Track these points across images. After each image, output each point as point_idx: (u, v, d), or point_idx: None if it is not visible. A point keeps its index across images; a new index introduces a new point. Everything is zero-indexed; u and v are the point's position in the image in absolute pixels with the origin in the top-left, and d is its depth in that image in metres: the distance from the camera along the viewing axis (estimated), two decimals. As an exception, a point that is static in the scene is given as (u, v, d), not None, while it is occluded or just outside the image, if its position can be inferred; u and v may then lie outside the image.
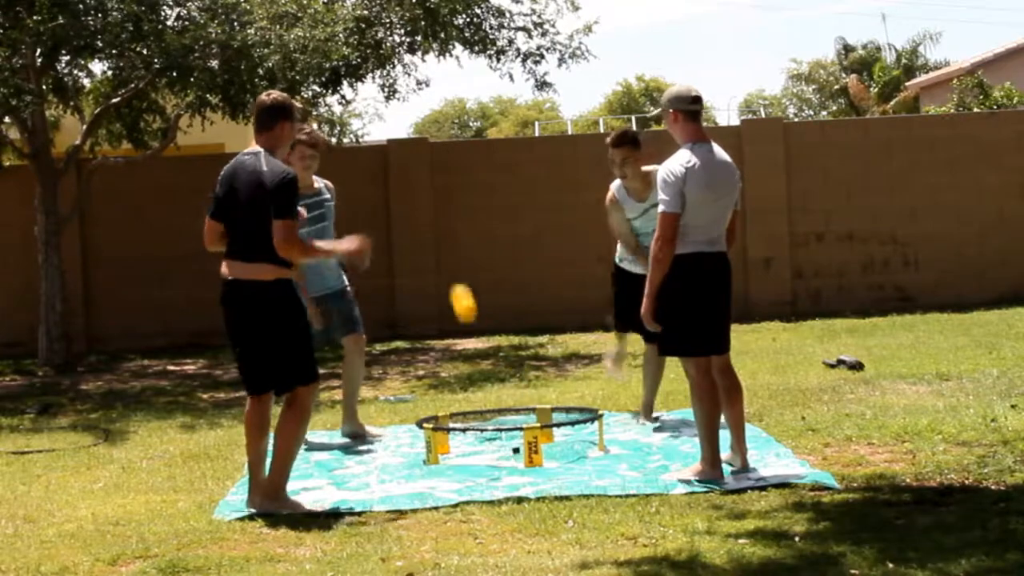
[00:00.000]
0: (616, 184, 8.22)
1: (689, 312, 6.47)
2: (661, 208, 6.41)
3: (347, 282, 8.23)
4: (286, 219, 6.08)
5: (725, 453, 6.64)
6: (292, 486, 6.69)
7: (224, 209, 6.28)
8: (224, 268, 6.26)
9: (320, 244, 6.89)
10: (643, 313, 6.52)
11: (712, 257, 6.49)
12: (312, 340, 6.47)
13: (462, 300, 7.43)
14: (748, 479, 6.40)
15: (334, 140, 17.58)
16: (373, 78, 14.70)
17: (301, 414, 6.31)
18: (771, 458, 6.83)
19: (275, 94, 6.45)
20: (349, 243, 6.47)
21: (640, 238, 8.12)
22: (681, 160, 6.43)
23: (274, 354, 6.23)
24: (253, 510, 6.20)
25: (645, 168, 8.02)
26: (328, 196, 8.17)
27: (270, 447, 6.38)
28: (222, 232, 6.31)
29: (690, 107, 6.52)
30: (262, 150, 6.26)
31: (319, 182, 8.17)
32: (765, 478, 6.38)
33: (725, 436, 6.62)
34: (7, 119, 13.81)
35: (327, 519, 5.97)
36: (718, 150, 6.59)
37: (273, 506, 6.18)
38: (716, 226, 6.52)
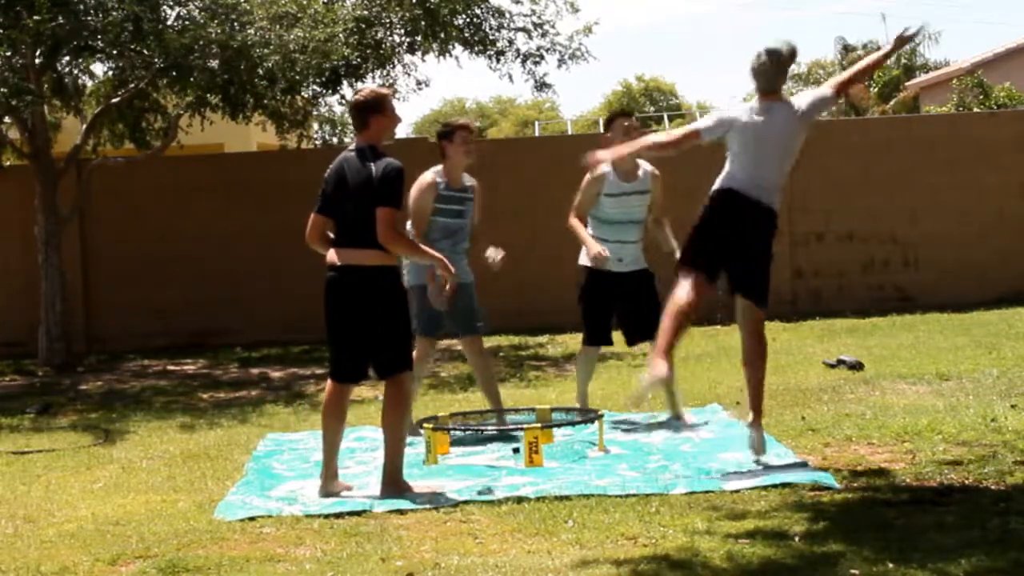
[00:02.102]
0: (606, 165, 8.27)
1: (700, 233, 6.76)
2: (694, 124, 6.88)
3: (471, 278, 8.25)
4: (389, 207, 6.32)
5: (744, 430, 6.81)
6: (292, 486, 6.71)
7: (332, 203, 6.51)
8: (331, 255, 6.48)
9: (421, 246, 6.95)
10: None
11: (740, 197, 6.68)
12: (411, 328, 6.60)
13: None
14: (749, 479, 6.40)
15: (335, 140, 17.57)
16: (373, 78, 14.68)
17: (403, 399, 6.54)
18: (771, 458, 6.82)
19: (364, 90, 6.67)
20: (444, 259, 6.64)
21: (607, 227, 8.16)
22: (745, 105, 6.89)
23: (379, 339, 6.42)
24: (324, 497, 6.38)
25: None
26: (471, 195, 8.28)
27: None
28: (326, 228, 6.54)
29: (753, 75, 6.76)
30: (365, 146, 6.49)
31: (468, 180, 8.28)
32: (765, 478, 6.38)
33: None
34: (7, 119, 13.82)
35: (327, 519, 5.97)
36: (780, 111, 6.72)
37: (395, 492, 6.34)
38: (758, 172, 6.68)
